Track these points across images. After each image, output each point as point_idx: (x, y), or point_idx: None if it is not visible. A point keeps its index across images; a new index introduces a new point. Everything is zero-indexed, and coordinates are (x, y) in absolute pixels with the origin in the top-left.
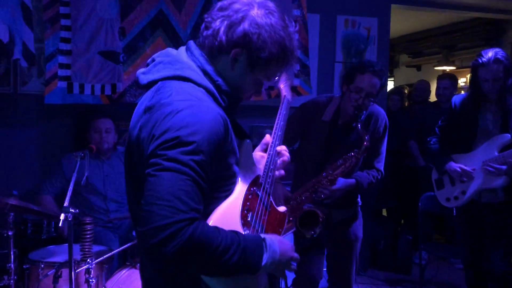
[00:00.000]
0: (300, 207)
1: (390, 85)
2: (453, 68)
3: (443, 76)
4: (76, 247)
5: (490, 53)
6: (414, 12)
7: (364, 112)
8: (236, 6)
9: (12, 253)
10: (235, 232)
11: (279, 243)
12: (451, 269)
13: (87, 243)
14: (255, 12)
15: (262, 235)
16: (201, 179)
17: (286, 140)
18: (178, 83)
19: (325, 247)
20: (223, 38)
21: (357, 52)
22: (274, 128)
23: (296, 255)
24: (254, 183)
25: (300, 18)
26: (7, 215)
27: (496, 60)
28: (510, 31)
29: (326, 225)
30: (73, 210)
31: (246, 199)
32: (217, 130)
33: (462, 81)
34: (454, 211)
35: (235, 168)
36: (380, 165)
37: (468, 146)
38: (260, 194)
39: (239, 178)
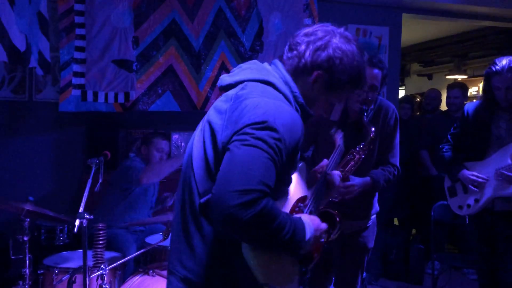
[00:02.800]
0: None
1: (401, 93)
2: (464, 77)
3: (453, 85)
4: (89, 253)
5: (504, 61)
6: (425, 21)
7: (372, 106)
8: (320, 33)
9: (27, 258)
10: (287, 213)
11: (311, 220)
12: (464, 280)
13: (99, 249)
14: (337, 40)
15: (298, 217)
16: (279, 164)
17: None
18: (262, 85)
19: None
20: (308, 60)
21: None
22: (326, 167)
23: (324, 225)
24: (301, 200)
25: None
26: (23, 220)
27: (510, 68)
28: None
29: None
30: (87, 216)
31: (292, 211)
32: (297, 132)
33: (474, 90)
34: (467, 219)
35: (291, 177)
36: (395, 160)
37: (481, 153)
38: (304, 211)
39: (289, 190)
